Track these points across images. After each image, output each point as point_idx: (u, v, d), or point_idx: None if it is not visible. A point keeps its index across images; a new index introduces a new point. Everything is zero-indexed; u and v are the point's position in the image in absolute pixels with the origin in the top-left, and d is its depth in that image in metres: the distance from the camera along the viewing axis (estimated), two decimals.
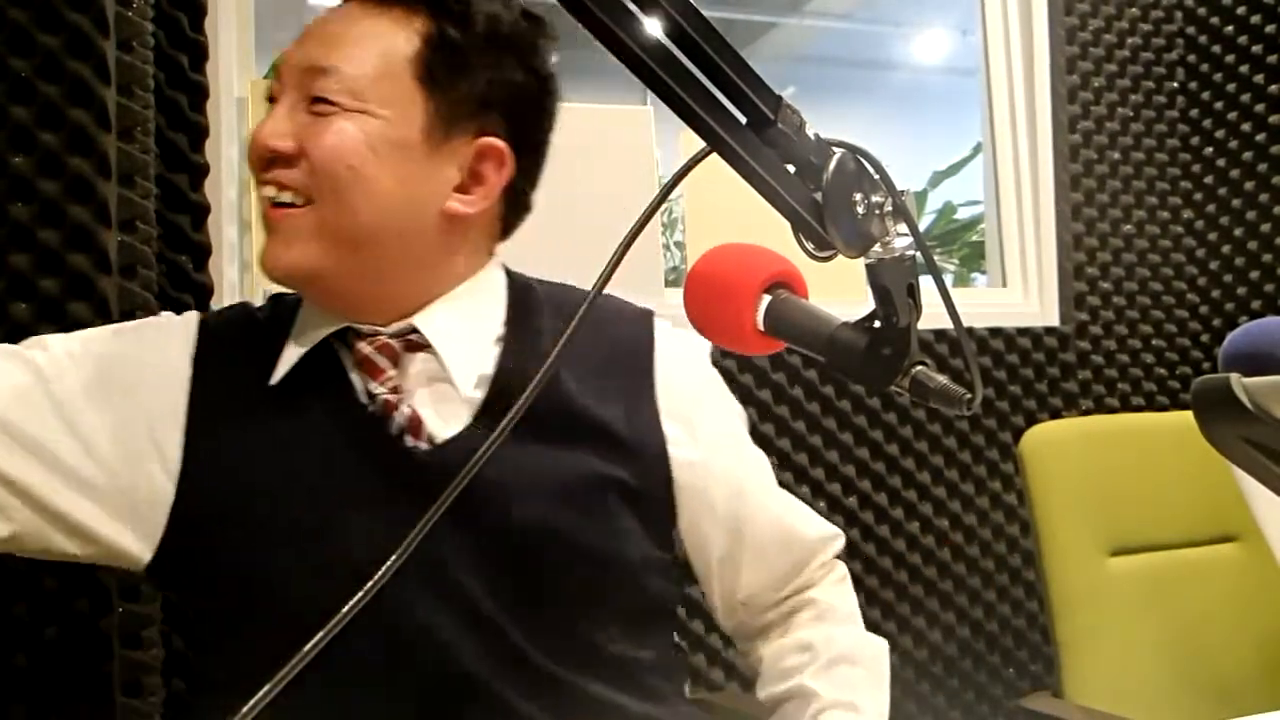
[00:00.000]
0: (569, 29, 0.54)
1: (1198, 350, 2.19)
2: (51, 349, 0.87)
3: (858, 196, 0.61)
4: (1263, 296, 2.07)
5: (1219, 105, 2.14)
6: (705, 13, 0.55)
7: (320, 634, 0.51)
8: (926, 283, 0.62)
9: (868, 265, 0.61)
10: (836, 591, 1.04)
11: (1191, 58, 2.20)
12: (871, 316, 0.62)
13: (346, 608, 0.52)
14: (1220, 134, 2.14)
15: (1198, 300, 2.19)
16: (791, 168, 0.60)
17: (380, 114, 0.86)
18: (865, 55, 6.44)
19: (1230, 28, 2.12)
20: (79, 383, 0.85)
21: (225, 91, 1.53)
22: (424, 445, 0.86)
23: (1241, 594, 1.56)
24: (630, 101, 1.88)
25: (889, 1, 5.86)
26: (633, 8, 0.53)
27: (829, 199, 0.59)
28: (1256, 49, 2.07)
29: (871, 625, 1.82)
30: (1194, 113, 2.19)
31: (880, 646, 1.01)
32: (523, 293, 0.98)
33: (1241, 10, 2.09)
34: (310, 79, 0.86)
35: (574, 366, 0.92)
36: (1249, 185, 2.08)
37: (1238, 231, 2.10)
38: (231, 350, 0.91)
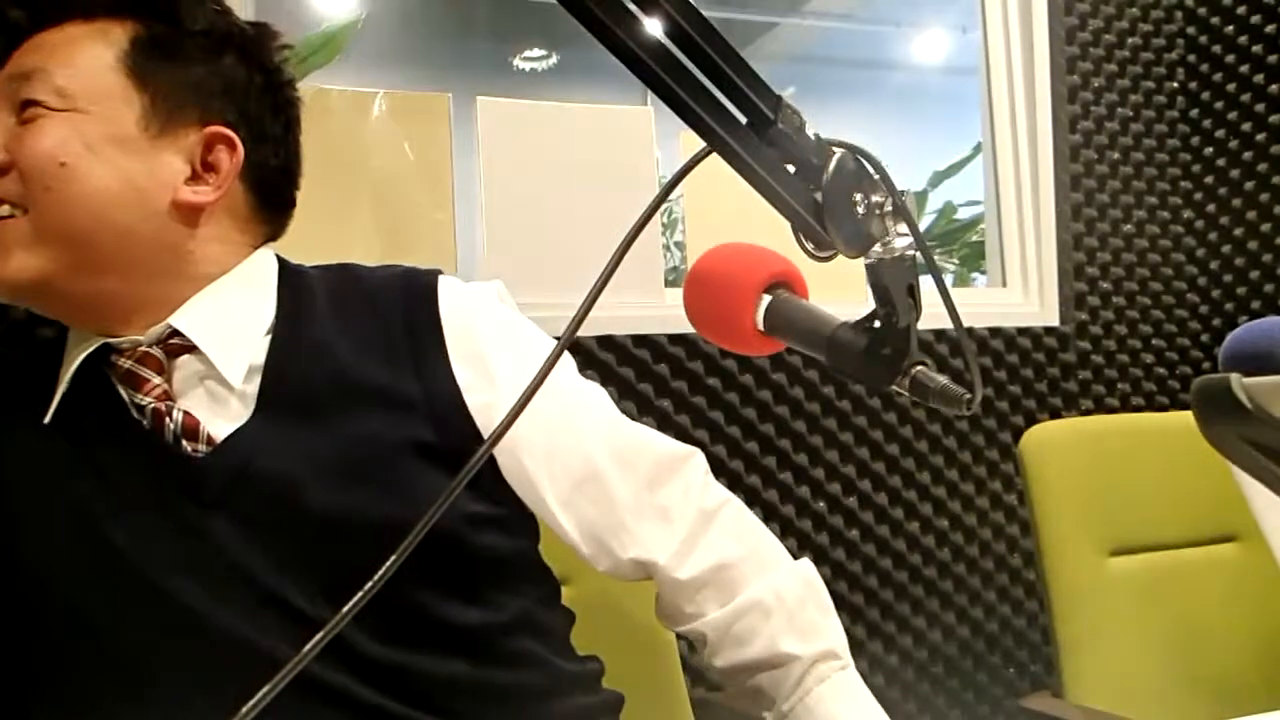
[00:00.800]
0: (569, 29, 0.54)
1: (1198, 350, 2.19)
2: None
3: (858, 196, 0.61)
4: (1263, 296, 2.07)
5: (1219, 105, 2.14)
6: (705, 13, 0.55)
7: (308, 647, 0.50)
8: (926, 283, 0.62)
9: (868, 265, 0.61)
10: (737, 526, 0.96)
11: (1191, 58, 2.20)
12: (871, 316, 0.62)
13: (319, 635, 0.51)
14: (1220, 134, 2.14)
15: (1198, 300, 2.19)
16: (791, 168, 0.60)
17: (90, 109, 0.84)
18: (865, 55, 6.44)
19: (1230, 28, 2.12)
20: None
21: None
22: (203, 448, 0.83)
23: (1241, 594, 1.56)
24: (630, 101, 1.88)
25: (889, 1, 5.86)
26: (633, 8, 0.52)
27: (829, 199, 0.59)
28: (1257, 49, 2.07)
29: (872, 625, 1.85)
30: (1194, 113, 2.19)
31: (808, 567, 0.97)
32: (294, 278, 0.94)
33: (1241, 10, 2.09)
34: (17, 86, 0.85)
35: (352, 337, 0.89)
36: (1249, 185, 2.08)
37: (1238, 231, 2.10)
38: (6, 386, 0.89)
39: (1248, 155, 2.09)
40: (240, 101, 0.92)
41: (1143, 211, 2.16)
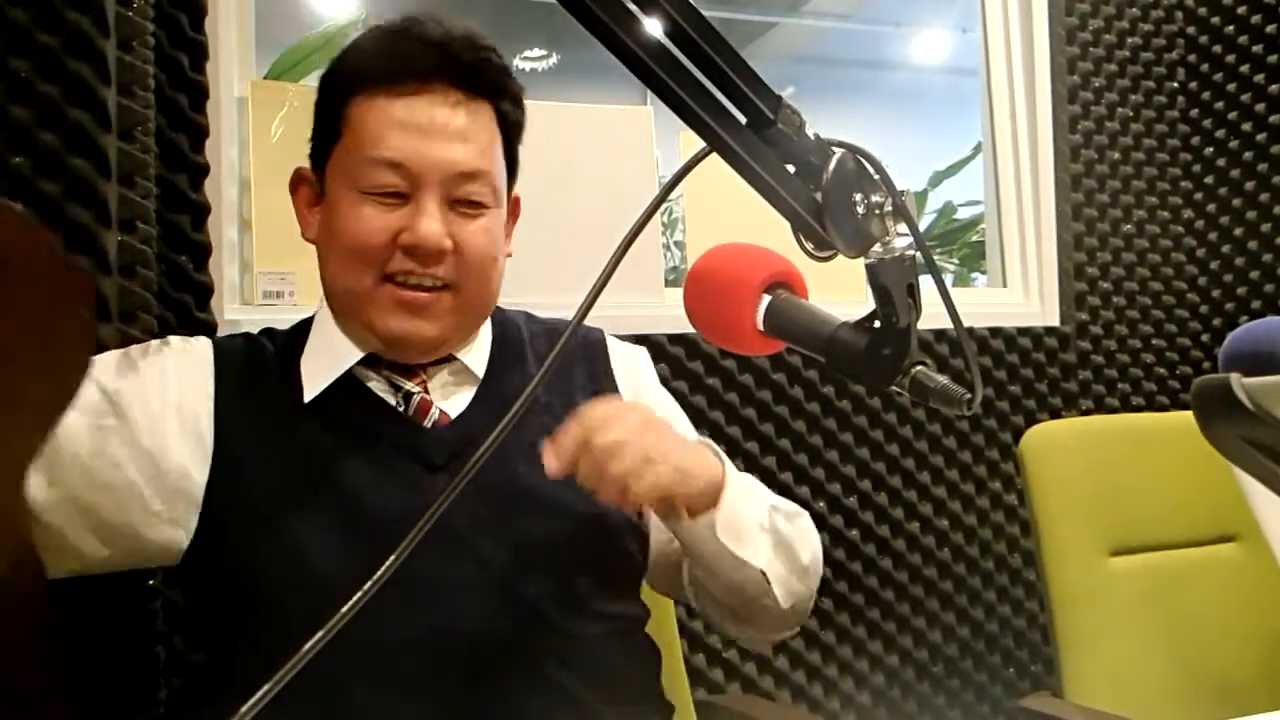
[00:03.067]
0: (569, 29, 0.54)
1: (1198, 350, 2.19)
2: (100, 387, 0.93)
3: (858, 196, 0.61)
4: (1263, 296, 2.07)
5: (1219, 105, 2.14)
6: (705, 13, 0.55)
7: (319, 634, 0.51)
8: (926, 283, 0.62)
9: (868, 265, 0.61)
10: None
11: (1191, 58, 2.20)
12: (871, 316, 0.62)
13: (345, 607, 0.52)
14: (1220, 134, 2.14)
15: (1198, 300, 2.19)
16: (791, 168, 0.60)
17: (500, 204, 1.02)
18: (865, 55, 6.44)
19: (1230, 28, 2.12)
20: (137, 412, 0.93)
21: (225, 91, 1.53)
22: (438, 426, 0.99)
23: (1241, 594, 1.56)
24: (630, 101, 1.88)
25: (889, 1, 5.86)
26: (633, 8, 0.53)
27: (829, 199, 0.60)
28: (1257, 49, 2.07)
29: (872, 625, 1.85)
30: (1194, 113, 2.19)
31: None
32: (497, 311, 1.12)
33: (1241, 10, 2.09)
34: (458, 183, 0.97)
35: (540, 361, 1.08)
36: (1249, 185, 2.08)
37: (1238, 231, 2.10)
38: (251, 370, 1.01)
39: (1248, 155, 2.08)
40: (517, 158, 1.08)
41: (1143, 211, 2.16)
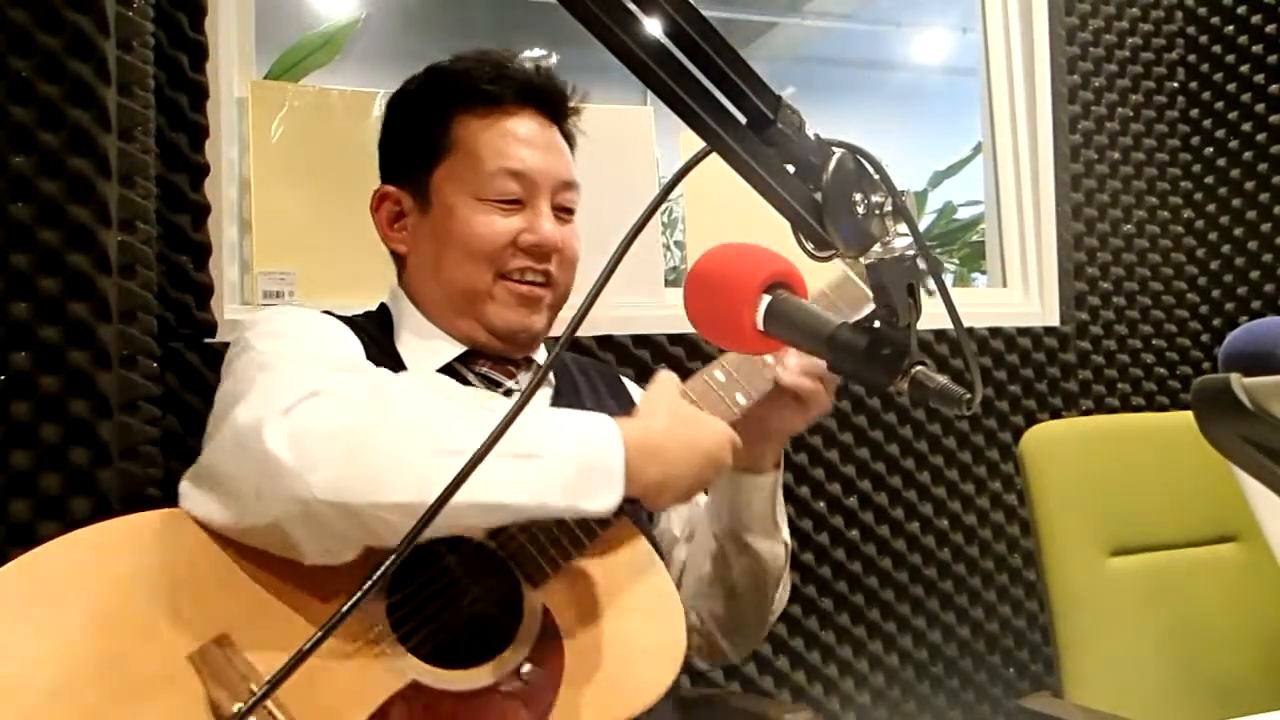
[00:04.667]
0: (569, 29, 0.54)
1: (1198, 350, 2.19)
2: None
3: (857, 196, 0.61)
4: (1263, 296, 2.07)
5: (1219, 105, 2.14)
6: (705, 13, 0.55)
7: (333, 616, 0.51)
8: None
9: (868, 265, 0.61)
10: None
11: (1192, 58, 2.20)
12: (871, 316, 0.62)
13: (359, 593, 0.52)
14: (1220, 134, 2.14)
15: (1198, 300, 2.19)
16: (791, 168, 0.60)
17: None
18: (865, 55, 6.44)
19: (1230, 28, 2.12)
20: None
21: (225, 91, 1.53)
22: None
23: (1241, 594, 1.56)
24: (630, 101, 1.88)
25: (889, 1, 5.86)
26: (633, 8, 0.53)
27: (829, 199, 0.60)
28: (1257, 49, 2.07)
29: (871, 625, 1.85)
30: (1194, 113, 2.19)
31: None
32: None
33: (1241, 10, 2.09)
34: (561, 191, 1.14)
35: (581, 394, 1.21)
36: (1249, 185, 2.08)
37: (1238, 231, 2.10)
38: (370, 348, 1.08)
39: (1248, 155, 2.08)
40: None
41: (1143, 211, 2.16)
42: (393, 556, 0.55)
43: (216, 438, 0.88)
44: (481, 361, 1.14)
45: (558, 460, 0.86)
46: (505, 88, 1.12)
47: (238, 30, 1.58)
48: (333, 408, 0.84)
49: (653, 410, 0.98)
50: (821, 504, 1.82)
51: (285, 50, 2.46)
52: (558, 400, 1.17)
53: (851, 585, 1.85)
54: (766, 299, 0.65)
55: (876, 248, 0.61)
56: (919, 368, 0.60)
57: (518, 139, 1.11)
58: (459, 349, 1.13)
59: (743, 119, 0.58)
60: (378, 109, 1.70)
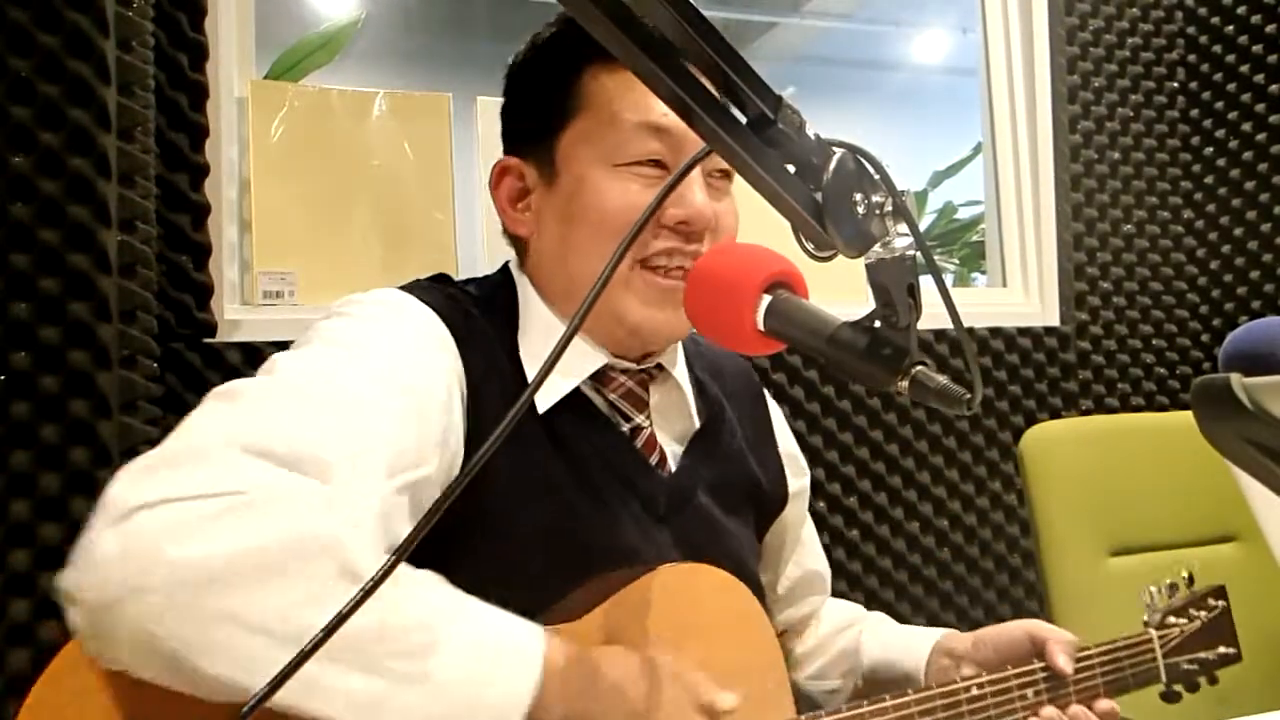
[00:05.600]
0: None
1: (1198, 350, 2.19)
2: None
3: (858, 196, 0.61)
4: (1263, 296, 2.07)
5: (1219, 105, 2.14)
6: (705, 13, 0.55)
7: (331, 619, 0.50)
8: (926, 283, 0.62)
9: (868, 265, 0.61)
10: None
11: (1191, 58, 2.20)
12: (871, 316, 0.62)
13: (356, 591, 0.51)
14: (1220, 134, 2.14)
15: (1198, 300, 2.19)
16: (791, 167, 0.60)
17: None
18: (865, 55, 6.44)
19: (1230, 28, 2.12)
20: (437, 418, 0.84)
21: (225, 91, 1.53)
22: (661, 467, 0.97)
23: (1241, 594, 1.56)
24: None
25: (889, 1, 5.86)
26: (633, 8, 0.52)
27: (829, 199, 0.60)
28: (1257, 49, 2.07)
29: None
30: (1194, 113, 2.19)
31: None
32: None
33: (1241, 10, 2.09)
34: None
35: (737, 411, 1.08)
36: (1249, 185, 2.08)
37: (1238, 231, 2.10)
38: (483, 360, 0.90)
39: (1248, 155, 2.08)
40: None
41: (1143, 211, 2.16)
42: (392, 555, 0.54)
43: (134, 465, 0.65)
44: (616, 383, 0.96)
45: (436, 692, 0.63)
46: None
47: (238, 30, 1.59)
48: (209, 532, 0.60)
49: (596, 686, 0.70)
50: (821, 504, 1.82)
51: (285, 50, 2.46)
52: (701, 440, 1.00)
53: (851, 585, 1.85)
54: (767, 299, 0.65)
55: (877, 248, 0.61)
56: (919, 368, 0.60)
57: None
58: (595, 360, 0.93)
59: (743, 119, 0.58)
60: (378, 109, 1.70)
